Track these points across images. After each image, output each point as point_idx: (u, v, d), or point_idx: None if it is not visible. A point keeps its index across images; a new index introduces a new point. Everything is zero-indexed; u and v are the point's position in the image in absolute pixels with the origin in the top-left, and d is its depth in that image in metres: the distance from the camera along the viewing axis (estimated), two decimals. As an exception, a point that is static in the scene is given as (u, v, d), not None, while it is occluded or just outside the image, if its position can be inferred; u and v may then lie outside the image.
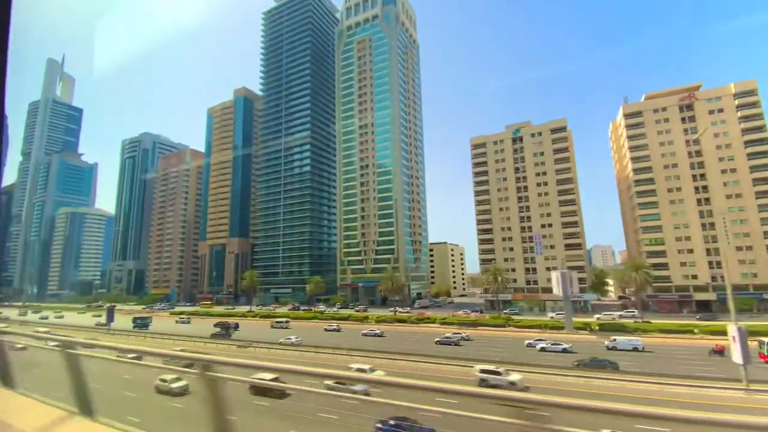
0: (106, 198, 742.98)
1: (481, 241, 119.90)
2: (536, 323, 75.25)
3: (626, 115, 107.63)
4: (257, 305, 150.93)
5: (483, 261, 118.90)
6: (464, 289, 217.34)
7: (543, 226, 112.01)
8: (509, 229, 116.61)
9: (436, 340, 62.08)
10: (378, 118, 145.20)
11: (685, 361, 47.11)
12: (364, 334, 70.14)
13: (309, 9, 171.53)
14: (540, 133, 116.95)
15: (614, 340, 55.04)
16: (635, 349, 52.82)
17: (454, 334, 65.31)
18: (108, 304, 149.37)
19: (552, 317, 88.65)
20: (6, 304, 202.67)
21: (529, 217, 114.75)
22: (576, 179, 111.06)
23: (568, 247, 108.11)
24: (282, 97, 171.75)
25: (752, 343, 37.72)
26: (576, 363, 43.24)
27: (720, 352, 48.57)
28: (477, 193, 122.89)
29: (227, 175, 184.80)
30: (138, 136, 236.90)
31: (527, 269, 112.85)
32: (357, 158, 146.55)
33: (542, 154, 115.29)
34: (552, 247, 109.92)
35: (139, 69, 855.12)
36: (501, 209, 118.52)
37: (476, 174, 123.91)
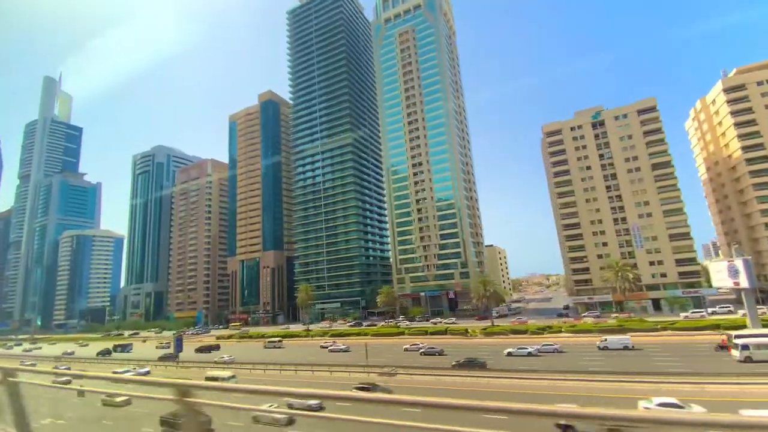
0: (112, 219, 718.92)
1: (568, 237, 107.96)
2: (703, 324, 63.03)
3: (726, 90, 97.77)
4: (308, 323, 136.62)
5: (573, 259, 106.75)
6: (510, 294, 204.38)
7: (640, 216, 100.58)
8: (600, 221, 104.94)
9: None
10: (429, 112, 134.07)
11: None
12: (511, 354, 55.95)
13: (339, 5, 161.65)
14: (625, 115, 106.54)
15: (605, 339, 56.11)
16: (625, 348, 53.93)
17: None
18: (170, 332, 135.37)
19: (686, 317, 76.65)
20: (10, 337, 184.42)
21: (621, 207, 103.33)
22: (673, 163, 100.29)
23: (672, 237, 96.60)
24: (315, 98, 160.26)
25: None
26: (453, 364, 47.88)
27: (724, 347, 46.69)
28: (557, 184, 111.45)
29: (256, 185, 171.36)
30: (150, 150, 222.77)
31: (602, 267, 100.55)
32: (407, 156, 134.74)
33: (630, 137, 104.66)
34: (654, 238, 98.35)
35: (141, 84, 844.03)
36: (588, 200, 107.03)
37: (555, 164, 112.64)
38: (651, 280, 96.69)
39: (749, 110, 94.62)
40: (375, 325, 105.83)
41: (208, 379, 42.71)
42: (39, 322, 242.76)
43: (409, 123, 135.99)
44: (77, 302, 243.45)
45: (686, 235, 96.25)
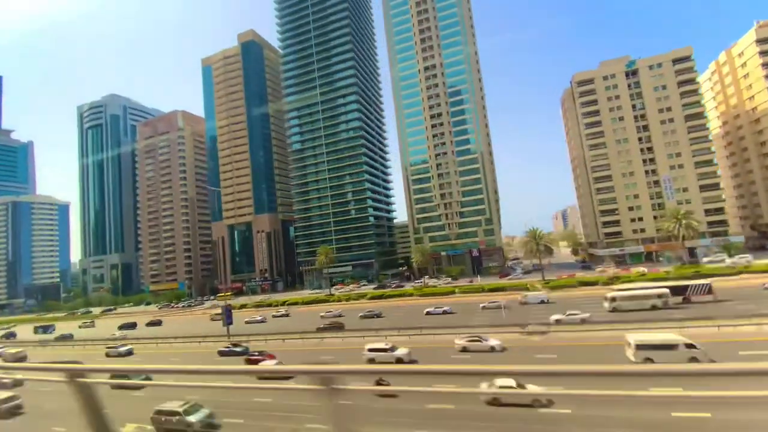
0: (49, 183, 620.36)
1: (599, 190, 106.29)
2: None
3: (760, 41, 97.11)
4: (315, 288, 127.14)
5: (603, 212, 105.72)
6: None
7: (672, 167, 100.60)
8: (631, 174, 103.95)
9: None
10: (447, 57, 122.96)
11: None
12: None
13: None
14: (660, 65, 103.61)
15: (526, 296, 62.69)
16: (542, 302, 59.98)
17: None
18: (198, 301, 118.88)
19: (733, 263, 77.82)
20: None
21: (652, 159, 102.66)
22: (723, 112, 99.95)
23: (703, 188, 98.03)
24: (311, 39, 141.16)
25: None
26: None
27: None
28: (589, 136, 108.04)
29: (242, 140, 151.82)
30: (101, 99, 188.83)
31: (656, 216, 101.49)
32: (423, 107, 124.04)
33: (665, 87, 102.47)
34: (685, 189, 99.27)
35: (77, 26, 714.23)
36: (619, 152, 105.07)
37: (586, 114, 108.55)
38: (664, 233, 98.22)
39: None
40: (402, 287, 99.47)
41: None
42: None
43: (426, 69, 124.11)
44: (20, 279, 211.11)
45: (716, 186, 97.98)
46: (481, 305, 61.49)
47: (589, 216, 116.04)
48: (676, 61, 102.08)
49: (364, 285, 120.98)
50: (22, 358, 54.70)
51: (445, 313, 59.42)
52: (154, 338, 63.08)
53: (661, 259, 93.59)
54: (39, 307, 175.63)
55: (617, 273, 74.56)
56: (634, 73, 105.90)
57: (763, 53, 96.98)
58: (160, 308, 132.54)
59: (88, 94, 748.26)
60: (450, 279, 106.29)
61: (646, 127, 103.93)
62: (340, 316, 67.57)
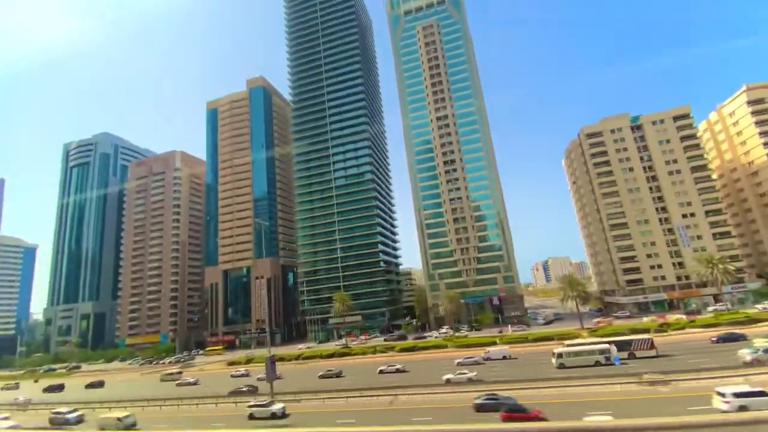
0: (18, 225, 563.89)
1: (616, 237, 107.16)
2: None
3: (750, 102, 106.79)
4: (319, 341, 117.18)
5: (623, 259, 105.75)
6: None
7: (684, 216, 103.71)
8: (646, 222, 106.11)
9: None
10: (459, 109, 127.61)
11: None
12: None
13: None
14: (662, 121, 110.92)
15: (488, 351, 60.22)
16: (504, 358, 58.48)
17: None
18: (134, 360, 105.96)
19: (764, 308, 77.47)
20: None
21: (664, 208, 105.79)
22: (717, 166, 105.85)
23: (716, 236, 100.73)
24: (323, 87, 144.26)
25: None
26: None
27: None
28: (602, 185, 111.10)
29: (245, 182, 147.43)
30: (91, 138, 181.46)
31: (674, 264, 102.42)
32: (436, 153, 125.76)
33: (668, 141, 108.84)
34: (699, 237, 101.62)
35: (63, 65, 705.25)
36: (632, 201, 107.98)
37: (597, 164, 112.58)
38: (698, 279, 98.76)
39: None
40: (424, 337, 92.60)
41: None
42: None
43: (438, 119, 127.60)
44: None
45: (728, 234, 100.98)
46: (456, 361, 58.38)
47: (605, 264, 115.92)
48: (676, 118, 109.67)
49: (375, 336, 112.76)
50: None
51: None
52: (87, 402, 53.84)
53: (693, 305, 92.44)
54: None
55: (667, 320, 71.99)
56: (639, 127, 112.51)
57: (755, 113, 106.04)
58: (141, 365, 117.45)
59: (74, 134, 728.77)
60: (469, 329, 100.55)
61: (654, 177, 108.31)
62: (402, 370, 58.85)
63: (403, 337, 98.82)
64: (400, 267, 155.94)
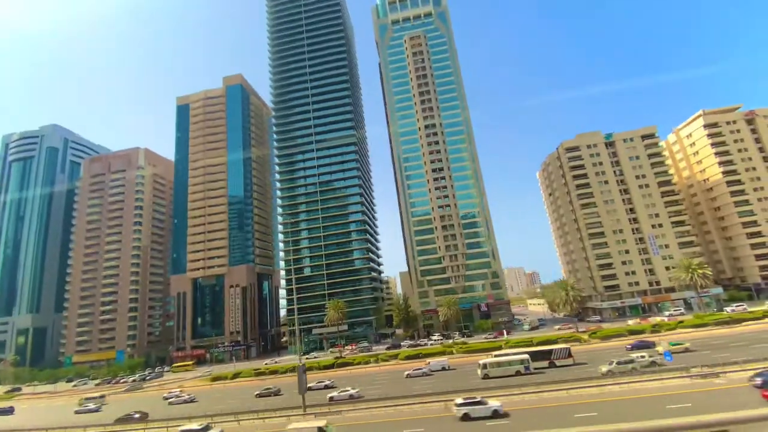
0: None
1: (594, 246, 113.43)
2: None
3: (707, 125, 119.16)
4: (303, 353, 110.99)
5: (601, 266, 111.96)
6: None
7: (653, 226, 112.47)
8: (621, 231, 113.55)
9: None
10: (446, 119, 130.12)
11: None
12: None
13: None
14: (632, 139, 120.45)
15: (429, 363, 61.61)
16: (443, 369, 60.19)
17: None
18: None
19: (733, 310, 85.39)
20: None
21: (635, 219, 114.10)
22: (676, 182, 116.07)
23: (681, 245, 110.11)
24: (308, 89, 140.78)
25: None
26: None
27: None
28: (580, 196, 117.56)
29: (219, 183, 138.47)
30: (38, 129, 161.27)
31: (646, 270, 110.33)
32: (425, 161, 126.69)
33: (638, 158, 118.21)
34: (666, 246, 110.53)
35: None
36: (608, 212, 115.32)
37: (576, 177, 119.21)
38: (668, 284, 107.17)
39: (723, 143, 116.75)
40: (419, 345, 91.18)
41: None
42: None
43: (426, 128, 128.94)
44: None
45: (692, 243, 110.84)
46: (406, 373, 59.82)
47: (582, 270, 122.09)
48: (644, 137, 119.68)
49: (364, 346, 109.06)
50: None
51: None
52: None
53: (670, 309, 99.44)
54: None
55: (662, 321, 76.54)
56: (612, 144, 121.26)
57: (710, 135, 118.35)
58: (98, 384, 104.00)
59: (12, 126, 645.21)
60: (461, 335, 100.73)
61: (627, 191, 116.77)
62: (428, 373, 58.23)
63: (396, 346, 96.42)
64: (382, 275, 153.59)
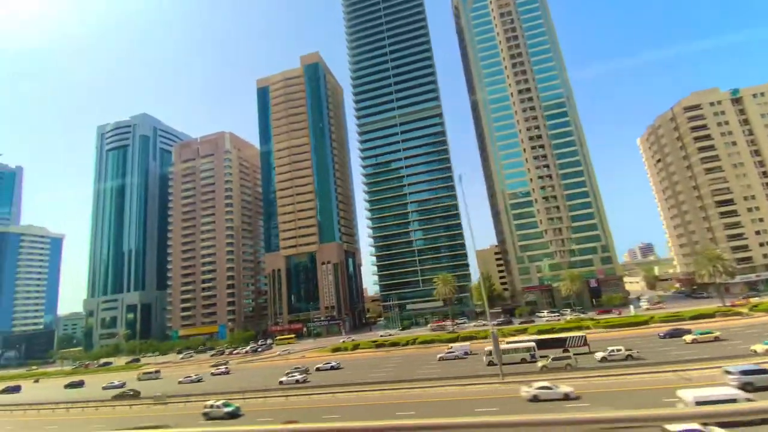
0: (38, 214, 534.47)
1: (722, 214, 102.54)
2: None
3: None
4: (402, 328, 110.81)
5: (730, 237, 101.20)
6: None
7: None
8: (753, 197, 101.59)
9: None
10: (541, 82, 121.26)
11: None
12: None
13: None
14: (763, 93, 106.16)
15: (451, 348, 60.26)
16: (466, 354, 57.94)
17: None
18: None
19: None
20: None
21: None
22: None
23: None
24: (388, 61, 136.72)
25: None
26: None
27: None
28: (704, 160, 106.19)
29: (305, 163, 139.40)
30: (129, 119, 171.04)
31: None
32: (520, 128, 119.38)
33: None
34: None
35: (79, 46, 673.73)
36: (737, 176, 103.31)
37: (697, 139, 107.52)
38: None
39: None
40: (532, 322, 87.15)
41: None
42: None
43: (519, 93, 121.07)
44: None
45: None
46: (438, 355, 58.87)
47: (703, 242, 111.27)
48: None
49: (463, 322, 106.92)
50: None
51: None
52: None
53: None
54: (25, 360, 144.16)
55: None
56: (738, 100, 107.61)
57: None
58: (212, 355, 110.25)
59: (97, 119, 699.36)
60: (573, 312, 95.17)
61: (758, 152, 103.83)
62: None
63: (508, 322, 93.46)
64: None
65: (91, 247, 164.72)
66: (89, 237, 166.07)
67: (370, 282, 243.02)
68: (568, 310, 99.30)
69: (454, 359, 56.89)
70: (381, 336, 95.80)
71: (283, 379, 53.40)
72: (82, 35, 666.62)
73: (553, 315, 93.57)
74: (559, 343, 50.57)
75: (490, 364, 47.22)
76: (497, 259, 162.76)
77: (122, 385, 67.15)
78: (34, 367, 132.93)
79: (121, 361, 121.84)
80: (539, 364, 43.54)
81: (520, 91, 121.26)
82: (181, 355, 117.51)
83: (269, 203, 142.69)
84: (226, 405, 37.95)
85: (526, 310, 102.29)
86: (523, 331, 74.92)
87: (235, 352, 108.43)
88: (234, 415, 37.49)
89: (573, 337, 51.42)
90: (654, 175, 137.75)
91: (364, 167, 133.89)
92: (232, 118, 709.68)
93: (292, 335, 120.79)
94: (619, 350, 43.98)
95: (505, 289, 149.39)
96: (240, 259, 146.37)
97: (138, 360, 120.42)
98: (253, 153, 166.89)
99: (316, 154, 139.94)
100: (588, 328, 71.99)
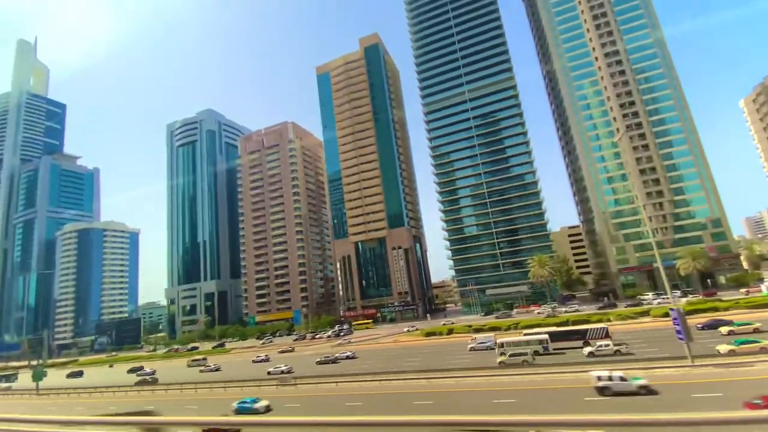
0: (112, 212, 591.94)
1: None
2: None
3: None
4: (485, 313, 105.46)
5: None
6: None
7: None
8: None
9: None
10: (630, 42, 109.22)
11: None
12: None
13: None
14: None
15: (474, 339, 57.40)
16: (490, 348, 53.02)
17: None
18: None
19: None
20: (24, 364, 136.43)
21: None
22: None
23: None
24: (454, 35, 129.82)
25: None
26: None
27: None
28: None
29: (370, 148, 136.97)
30: (195, 116, 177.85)
31: None
32: (608, 96, 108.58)
33: None
34: None
35: (138, 52, 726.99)
36: None
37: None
38: None
39: None
40: (614, 306, 78.27)
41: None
42: (29, 344, 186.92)
43: (606, 56, 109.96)
44: (88, 314, 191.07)
45: None
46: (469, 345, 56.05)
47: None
48: None
49: (554, 307, 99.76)
50: None
51: None
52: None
53: None
54: (114, 345, 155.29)
55: None
56: None
57: None
58: (295, 340, 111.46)
59: (155, 125, 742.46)
60: (682, 294, 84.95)
61: None
62: None
63: (611, 305, 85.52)
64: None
65: (168, 239, 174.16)
66: (166, 229, 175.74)
67: (434, 268, 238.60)
68: (678, 291, 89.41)
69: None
70: (451, 322, 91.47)
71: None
72: (143, 39, 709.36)
73: (661, 297, 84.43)
74: (579, 335, 48.24)
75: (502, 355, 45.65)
76: (572, 242, 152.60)
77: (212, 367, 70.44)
78: (123, 353, 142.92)
79: (206, 345, 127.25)
80: (498, 359, 43.59)
81: (606, 54, 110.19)
82: (261, 341, 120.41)
83: (336, 189, 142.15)
84: None
85: (629, 293, 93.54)
86: (644, 314, 67.42)
87: (317, 336, 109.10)
88: None
89: (594, 329, 49.01)
90: (763, 140, 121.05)
91: (432, 148, 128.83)
92: (286, 108, 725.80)
93: (370, 320, 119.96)
94: (607, 345, 42.06)
95: (585, 273, 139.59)
96: (309, 246, 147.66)
97: (223, 345, 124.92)
98: (312, 142, 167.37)
99: (380, 137, 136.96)
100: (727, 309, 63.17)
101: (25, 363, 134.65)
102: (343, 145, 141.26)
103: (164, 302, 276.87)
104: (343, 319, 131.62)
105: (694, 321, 54.01)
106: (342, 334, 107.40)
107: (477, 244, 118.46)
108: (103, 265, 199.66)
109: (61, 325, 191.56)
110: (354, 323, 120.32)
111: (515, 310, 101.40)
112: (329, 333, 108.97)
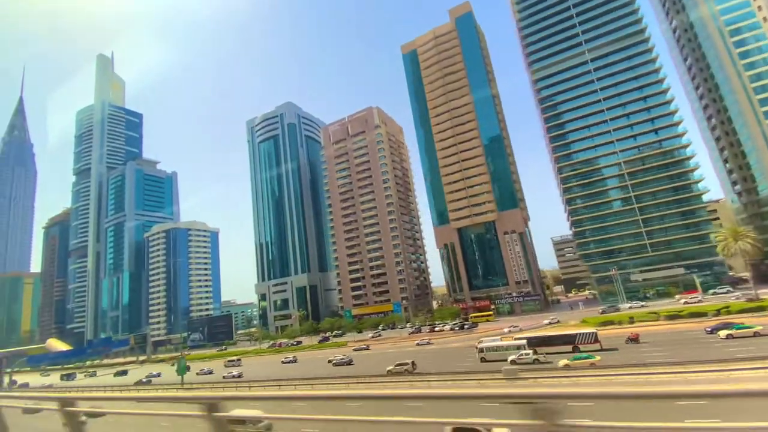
0: (188, 212, 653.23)
1: None
2: None
3: None
4: (632, 304, 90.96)
5: None
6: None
7: None
8: None
9: None
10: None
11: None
12: None
13: None
14: None
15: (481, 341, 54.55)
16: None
17: None
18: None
19: None
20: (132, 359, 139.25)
21: None
22: None
23: None
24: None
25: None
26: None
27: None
28: None
29: (470, 124, 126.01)
30: (275, 109, 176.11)
31: None
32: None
33: None
34: None
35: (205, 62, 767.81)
36: None
37: None
38: None
39: None
40: None
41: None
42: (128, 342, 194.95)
43: None
44: (178, 312, 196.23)
45: None
46: None
47: None
48: None
49: (726, 292, 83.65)
50: None
51: None
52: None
53: None
54: (207, 341, 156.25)
55: None
56: None
57: None
58: (411, 333, 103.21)
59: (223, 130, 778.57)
60: None
61: None
62: None
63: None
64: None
65: (255, 233, 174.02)
66: (253, 225, 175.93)
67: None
68: None
69: None
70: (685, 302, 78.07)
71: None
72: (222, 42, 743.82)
73: None
74: (568, 340, 47.25)
75: (483, 360, 46.70)
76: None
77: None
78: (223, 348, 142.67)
79: (310, 340, 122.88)
80: (388, 367, 45.98)
81: None
82: (370, 334, 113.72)
83: (432, 173, 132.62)
84: None
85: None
86: None
87: (436, 329, 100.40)
88: None
89: (582, 333, 47.55)
90: None
91: (546, 118, 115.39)
92: (359, 98, 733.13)
93: (490, 312, 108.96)
94: (527, 354, 43.65)
95: None
96: (403, 235, 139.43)
97: (327, 339, 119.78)
98: (395, 128, 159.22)
99: (480, 113, 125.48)
100: None
101: (133, 359, 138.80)
102: (437, 125, 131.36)
103: (239, 300, 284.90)
104: (466, 308, 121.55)
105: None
106: (466, 326, 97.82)
107: (609, 224, 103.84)
108: (189, 264, 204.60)
109: (155, 323, 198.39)
110: (471, 315, 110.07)
111: (677, 297, 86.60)
112: (449, 326, 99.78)
